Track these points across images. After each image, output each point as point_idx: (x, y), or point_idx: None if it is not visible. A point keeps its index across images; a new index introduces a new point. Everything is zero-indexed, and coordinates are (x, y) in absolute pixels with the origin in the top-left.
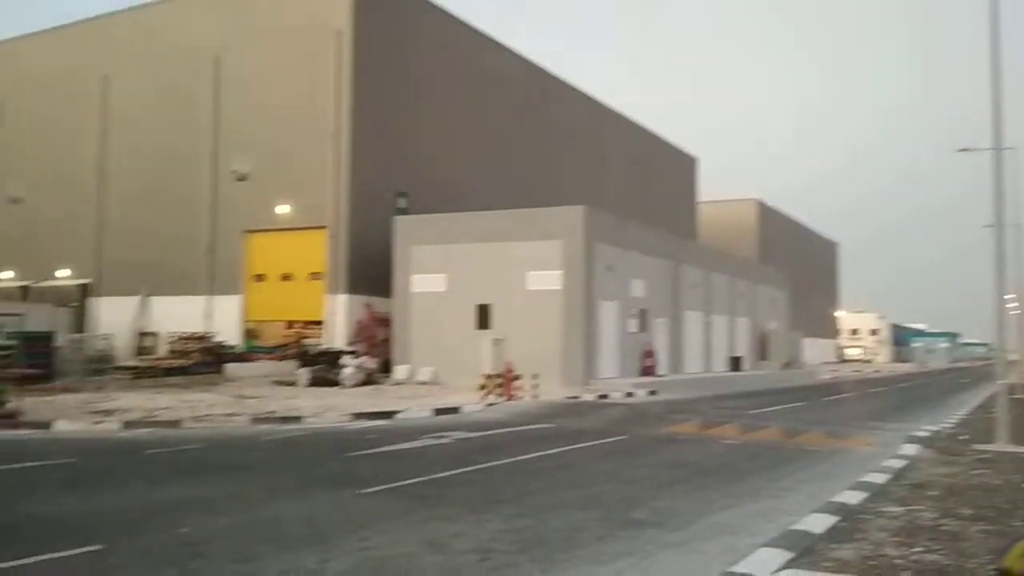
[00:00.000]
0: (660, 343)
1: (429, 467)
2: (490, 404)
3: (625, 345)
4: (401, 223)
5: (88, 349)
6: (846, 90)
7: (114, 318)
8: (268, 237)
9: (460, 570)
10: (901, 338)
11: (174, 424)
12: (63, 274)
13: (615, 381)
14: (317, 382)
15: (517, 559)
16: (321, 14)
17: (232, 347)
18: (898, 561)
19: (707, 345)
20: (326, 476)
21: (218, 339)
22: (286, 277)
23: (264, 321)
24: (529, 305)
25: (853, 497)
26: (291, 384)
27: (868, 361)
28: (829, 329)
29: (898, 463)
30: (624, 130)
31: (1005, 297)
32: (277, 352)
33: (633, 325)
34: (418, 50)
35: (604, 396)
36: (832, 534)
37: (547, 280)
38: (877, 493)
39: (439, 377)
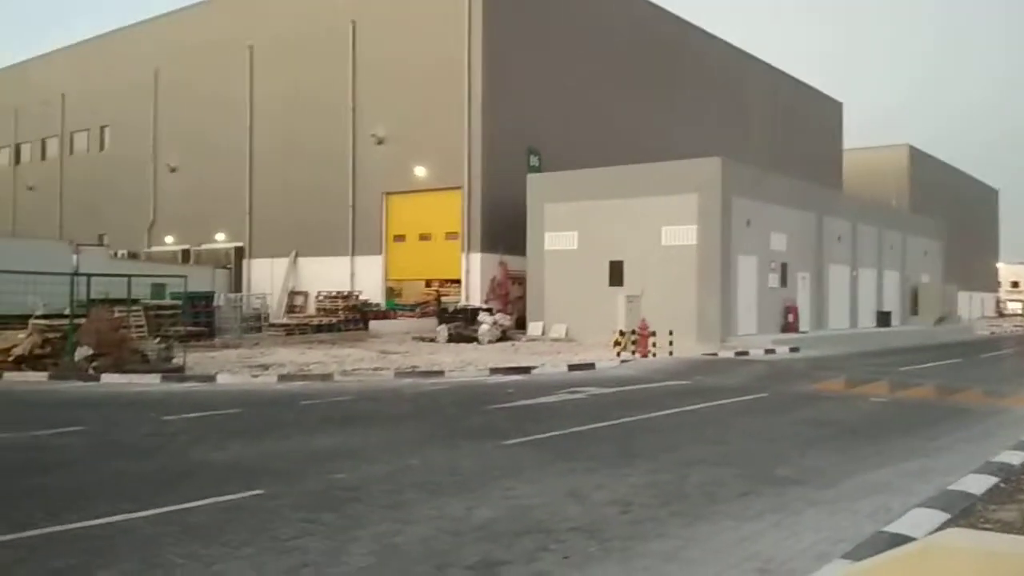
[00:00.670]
0: (802, 298)
1: (566, 421)
2: (624, 361)
3: (765, 301)
4: (533, 181)
5: (244, 308)
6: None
7: (266, 278)
8: (406, 198)
9: (601, 521)
10: None
11: (325, 378)
12: (219, 238)
13: (754, 338)
14: (455, 338)
15: (658, 513)
16: None
17: (375, 305)
18: None
19: (853, 300)
20: (468, 428)
21: (362, 298)
22: (424, 237)
23: (404, 280)
24: (664, 261)
25: (1015, 457)
26: (431, 340)
27: None
28: (987, 282)
29: None
30: (763, 76)
31: None
32: (417, 310)
33: (773, 280)
34: (547, 4)
35: (743, 353)
36: (992, 495)
37: (682, 235)
38: None
39: (572, 334)
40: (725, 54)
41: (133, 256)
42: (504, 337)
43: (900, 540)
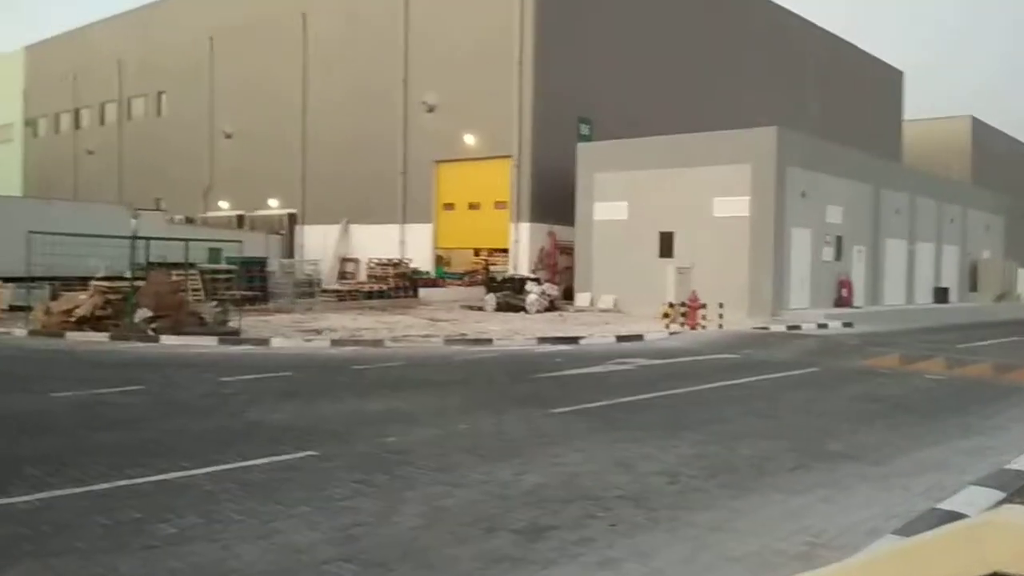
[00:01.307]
0: (857, 272)
1: (614, 391)
2: (673, 332)
3: (818, 274)
4: (583, 150)
5: (297, 274)
6: None
7: (318, 245)
8: (456, 167)
9: (649, 491)
10: None
11: (376, 343)
12: (273, 204)
13: (806, 312)
14: (503, 307)
15: (705, 484)
16: None
17: (424, 273)
18: None
19: (910, 275)
20: (517, 395)
21: (412, 265)
22: (473, 206)
23: (453, 248)
24: (715, 232)
25: None
26: (479, 309)
27: None
28: None
29: None
30: (820, 42)
31: None
32: (466, 278)
33: (828, 253)
34: None
35: (794, 327)
36: None
37: (734, 206)
38: None
39: (620, 305)
40: (782, 19)
41: (189, 221)
42: (552, 307)
43: (953, 517)
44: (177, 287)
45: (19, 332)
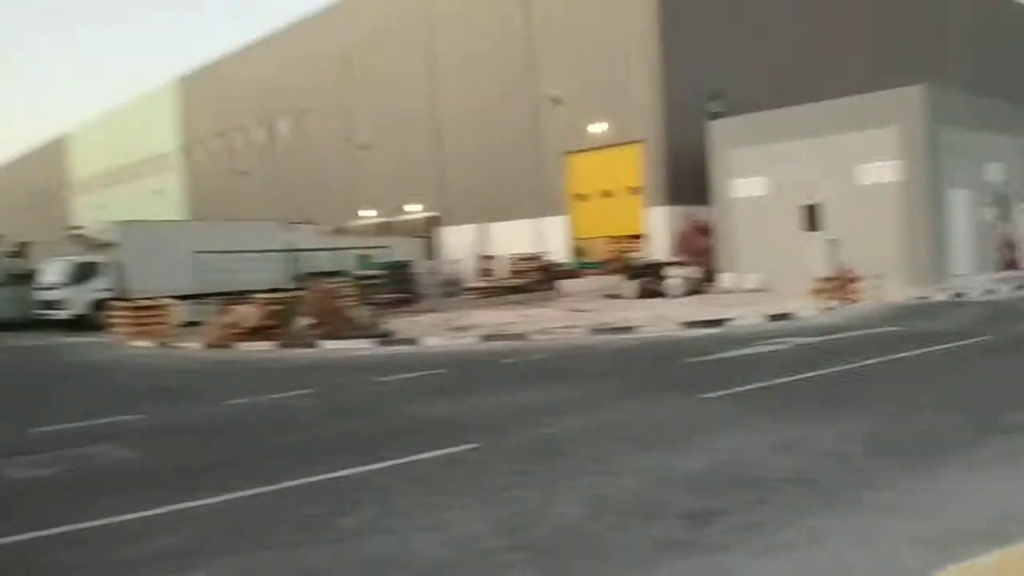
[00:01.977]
0: None
1: (768, 373)
2: (827, 308)
3: (981, 237)
4: (716, 127)
5: (441, 274)
6: None
7: (458, 245)
8: (586, 157)
9: (815, 472)
10: None
11: (522, 337)
12: (414, 209)
13: (970, 278)
14: (644, 294)
15: (876, 463)
16: None
17: (562, 265)
18: None
19: None
20: (666, 382)
21: (549, 258)
22: (606, 194)
23: (589, 238)
24: (863, 201)
25: None
26: (619, 297)
27: None
28: None
29: None
30: None
31: None
32: (604, 267)
33: (990, 214)
34: None
35: (959, 294)
36: None
37: (883, 172)
38: None
39: (767, 283)
40: None
41: (338, 231)
42: (694, 290)
43: None
44: (333, 294)
45: (193, 346)
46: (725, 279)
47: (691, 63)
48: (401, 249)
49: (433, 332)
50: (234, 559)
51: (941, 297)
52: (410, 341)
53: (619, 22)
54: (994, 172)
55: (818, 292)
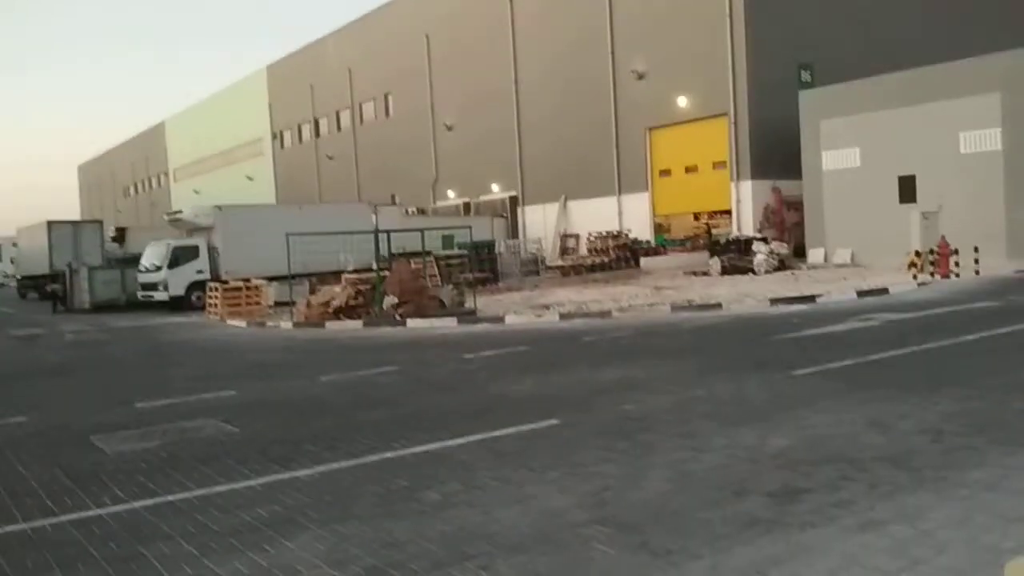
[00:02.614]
0: None
1: (860, 349)
2: (921, 283)
3: None
4: (806, 97)
5: (522, 253)
6: None
7: (539, 223)
8: (670, 131)
9: (909, 451)
10: None
11: (604, 315)
12: (495, 188)
13: None
14: (729, 270)
15: (973, 441)
16: None
17: (644, 242)
18: None
19: None
20: (753, 359)
21: (631, 235)
22: (690, 169)
23: (672, 215)
24: (963, 171)
25: None
26: (704, 274)
27: None
28: None
29: None
30: None
31: None
32: (687, 244)
33: None
34: None
35: None
36: None
37: (984, 140)
38: None
39: (858, 259)
40: None
41: (421, 212)
42: (782, 266)
43: None
44: (418, 274)
45: (285, 325)
46: (814, 254)
47: (779, 32)
48: (483, 229)
49: (515, 310)
50: (324, 529)
51: None
52: (493, 319)
53: None
54: None
55: (913, 266)
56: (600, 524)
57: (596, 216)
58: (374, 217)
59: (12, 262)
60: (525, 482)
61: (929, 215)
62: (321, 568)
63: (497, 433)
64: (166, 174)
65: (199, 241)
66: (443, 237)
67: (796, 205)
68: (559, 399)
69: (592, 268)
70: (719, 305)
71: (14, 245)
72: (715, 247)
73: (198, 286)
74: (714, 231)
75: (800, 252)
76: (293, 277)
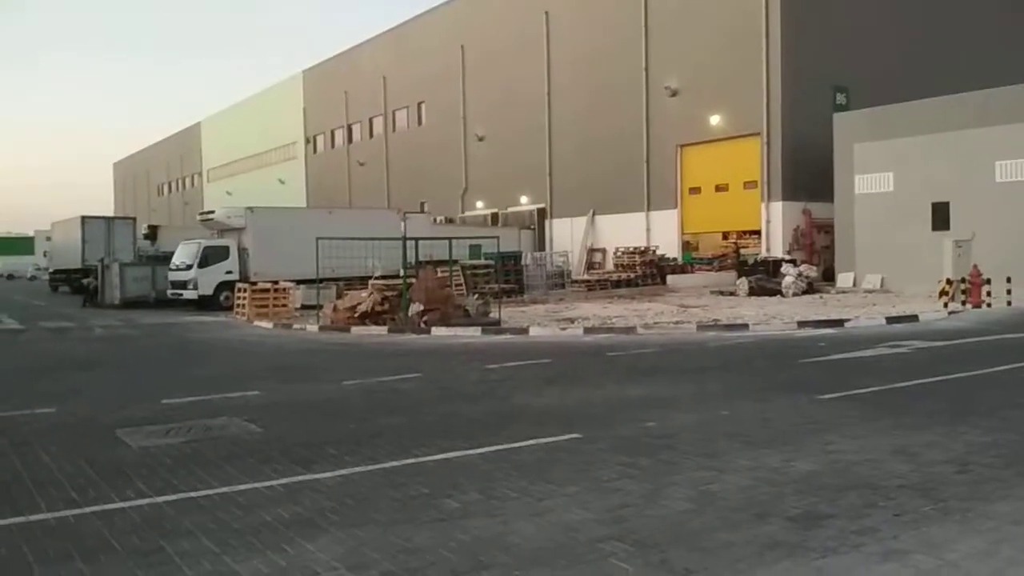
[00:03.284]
0: None
1: (888, 376)
2: (953, 312)
3: None
4: (841, 120)
5: (548, 266)
6: None
7: (566, 237)
8: (701, 149)
9: (935, 480)
10: None
11: (628, 330)
12: (523, 200)
13: None
14: (757, 291)
15: (1001, 474)
16: None
17: (672, 259)
18: None
19: None
20: (779, 381)
21: (658, 252)
22: (720, 188)
23: (700, 233)
24: (998, 200)
25: None
26: (731, 294)
27: None
28: None
29: None
30: None
31: None
32: (715, 263)
33: None
34: None
35: None
36: None
37: (1020, 169)
38: None
39: (888, 285)
40: None
41: (450, 221)
42: (810, 289)
43: None
44: (444, 283)
45: (312, 328)
46: (843, 279)
47: (814, 53)
48: (510, 240)
49: (540, 322)
50: (344, 532)
51: None
52: (517, 330)
53: (741, 12)
54: None
55: (944, 294)
56: (619, 540)
57: (624, 231)
58: (403, 224)
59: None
60: (544, 495)
61: (962, 243)
62: (339, 571)
63: (518, 444)
64: (200, 174)
65: (230, 242)
66: (470, 247)
67: (826, 228)
68: (581, 413)
69: (618, 283)
70: (746, 326)
71: (48, 239)
72: (743, 267)
73: (227, 286)
74: (743, 251)
75: (829, 276)
76: (321, 281)
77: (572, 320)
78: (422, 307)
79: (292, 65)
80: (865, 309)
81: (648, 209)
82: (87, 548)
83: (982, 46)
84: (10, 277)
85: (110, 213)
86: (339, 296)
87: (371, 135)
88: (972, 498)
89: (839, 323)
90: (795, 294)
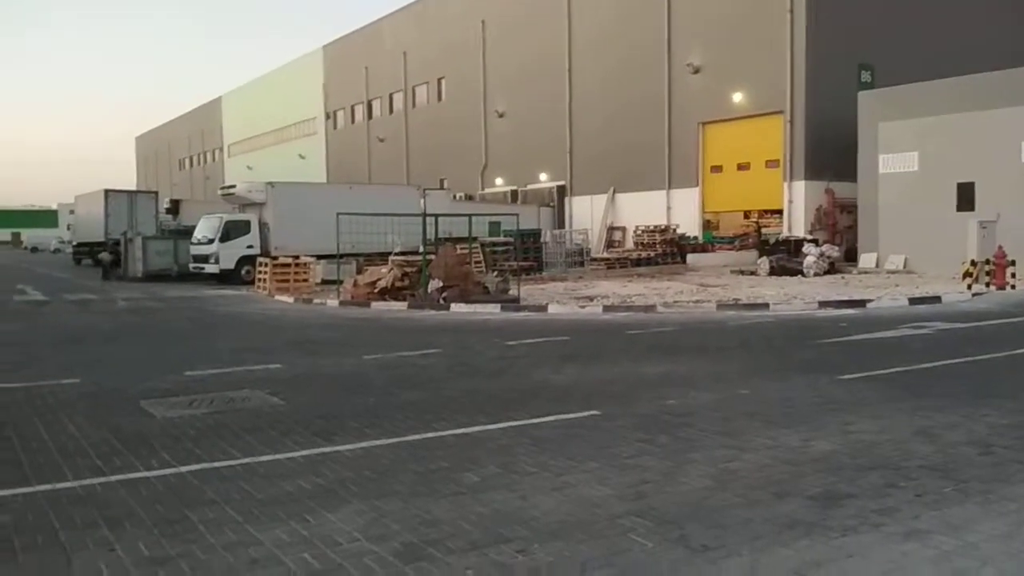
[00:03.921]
0: None
1: (910, 357)
2: (977, 294)
3: None
4: (865, 99)
5: (567, 243)
6: None
7: (586, 215)
8: (723, 127)
9: (957, 462)
10: None
11: (647, 309)
12: (543, 177)
13: None
14: (777, 271)
15: (1022, 456)
16: None
17: (692, 238)
18: None
19: None
20: (800, 361)
21: (679, 231)
22: (742, 166)
23: (721, 212)
24: (1023, 180)
25: None
26: (751, 273)
27: None
28: None
29: None
30: None
31: None
32: (736, 242)
33: None
34: None
35: None
36: None
37: None
38: None
39: (911, 265)
40: None
41: (469, 198)
42: (832, 269)
43: None
44: (463, 259)
45: (332, 303)
46: (866, 259)
47: (840, 30)
48: (529, 217)
49: (559, 300)
50: (364, 504)
51: None
52: (536, 308)
53: None
54: None
55: (968, 276)
56: (638, 516)
57: (644, 210)
58: (422, 201)
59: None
60: (563, 470)
61: (987, 224)
62: (360, 541)
63: (537, 420)
64: (221, 149)
65: (251, 216)
66: (490, 224)
67: (849, 208)
68: (600, 390)
69: (637, 262)
70: (766, 305)
71: (71, 212)
72: (764, 247)
73: (248, 260)
74: (764, 231)
75: (851, 256)
76: (341, 256)
77: (591, 298)
78: (441, 283)
79: (312, 40)
80: (888, 290)
81: (669, 187)
82: (113, 516)
83: (1010, 24)
84: (34, 250)
85: (132, 187)
86: (359, 271)
87: (391, 111)
88: (994, 480)
89: (861, 303)
90: (816, 274)
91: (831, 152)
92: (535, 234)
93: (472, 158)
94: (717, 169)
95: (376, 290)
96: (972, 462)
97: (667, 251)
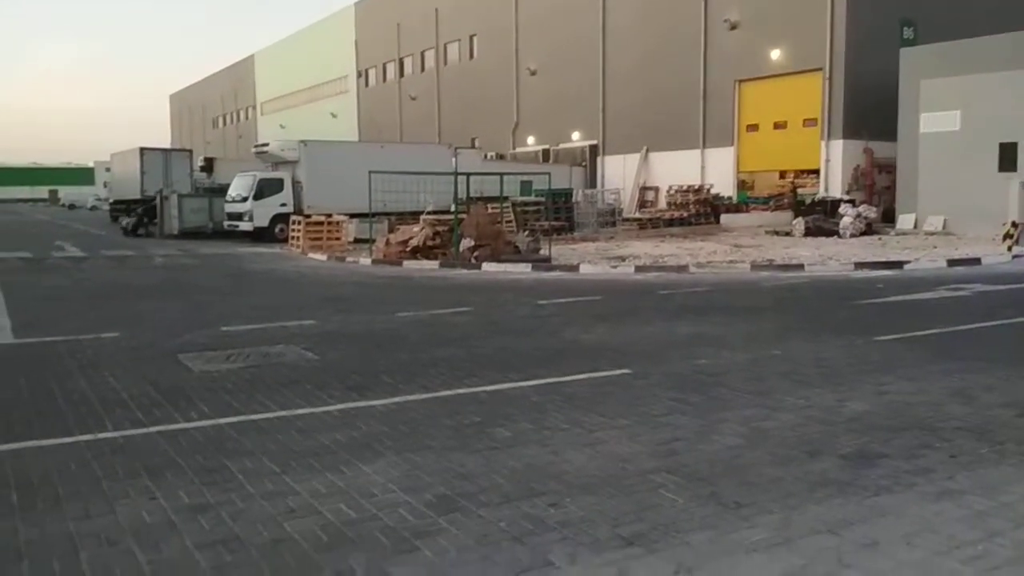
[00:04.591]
0: None
1: (947, 319)
2: (1017, 255)
3: None
4: (907, 56)
5: (599, 203)
6: None
7: (618, 174)
8: (760, 85)
9: (993, 423)
10: None
11: (680, 269)
12: (575, 136)
13: None
14: (813, 232)
15: None
16: None
17: (726, 198)
18: None
19: None
20: (834, 321)
21: (713, 191)
22: (779, 125)
23: (757, 171)
24: None
25: None
26: (786, 234)
27: None
28: None
29: None
30: None
31: None
32: (771, 203)
33: None
34: None
35: None
36: None
37: None
38: None
39: (950, 227)
40: None
41: (500, 157)
42: (869, 231)
43: None
44: (495, 219)
45: (364, 261)
46: (904, 220)
47: None
48: (561, 177)
49: (590, 260)
50: (399, 457)
51: None
52: (567, 267)
53: None
54: None
55: (1009, 237)
56: (669, 472)
57: (677, 169)
58: (454, 160)
59: (105, 186)
60: (595, 427)
61: None
62: (395, 492)
63: (569, 378)
64: (254, 107)
65: (284, 175)
66: (521, 183)
67: (888, 168)
68: (631, 349)
69: (670, 222)
70: (801, 266)
71: (107, 170)
72: (800, 207)
73: (281, 218)
74: (800, 191)
75: (889, 217)
76: (373, 215)
77: (623, 258)
78: (473, 243)
79: None
80: (926, 251)
81: (703, 147)
82: (153, 465)
83: None
84: (71, 207)
85: (167, 145)
86: (391, 230)
87: (423, 69)
88: None
89: (898, 265)
90: (853, 235)
91: (870, 111)
92: (567, 194)
93: (504, 117)
94: (753, 128)
95: (408, 249)
96: (1008, 424)
97: (700, 211)
